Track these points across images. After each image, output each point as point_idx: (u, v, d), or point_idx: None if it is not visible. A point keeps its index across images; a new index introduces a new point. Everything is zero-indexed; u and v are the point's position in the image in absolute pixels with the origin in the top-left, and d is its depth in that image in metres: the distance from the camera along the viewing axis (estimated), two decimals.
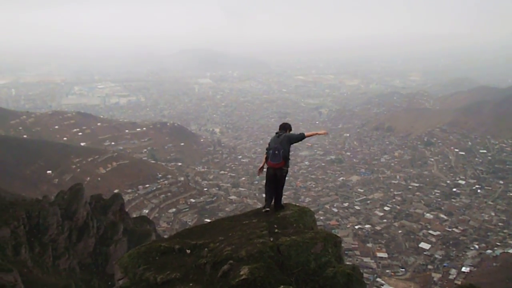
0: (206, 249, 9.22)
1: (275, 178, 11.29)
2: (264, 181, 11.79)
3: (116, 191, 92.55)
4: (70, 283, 35.21)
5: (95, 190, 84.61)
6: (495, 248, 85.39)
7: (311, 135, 11.87)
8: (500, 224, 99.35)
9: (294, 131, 11.85)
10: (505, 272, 71.32)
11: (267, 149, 11.51)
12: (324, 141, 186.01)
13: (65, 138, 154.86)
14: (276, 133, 11.56)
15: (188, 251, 9.41)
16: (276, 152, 11.04)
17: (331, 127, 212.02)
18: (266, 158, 11.39)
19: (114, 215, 51.41)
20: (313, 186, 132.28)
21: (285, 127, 11.66)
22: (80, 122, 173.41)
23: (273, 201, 11.55)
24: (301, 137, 11.35)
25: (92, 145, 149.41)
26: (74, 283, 35.68)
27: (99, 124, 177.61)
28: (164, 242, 9.86)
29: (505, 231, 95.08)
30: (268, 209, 11.23)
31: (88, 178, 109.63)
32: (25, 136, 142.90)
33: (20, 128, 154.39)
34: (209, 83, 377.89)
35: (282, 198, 11.77)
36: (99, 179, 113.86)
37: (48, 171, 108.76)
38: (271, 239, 9.34)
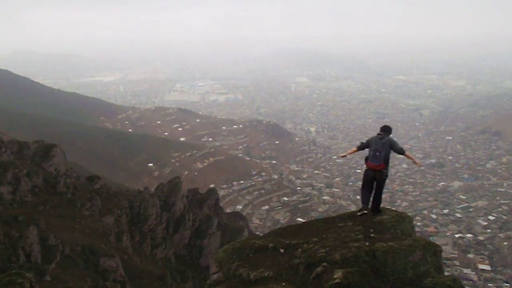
0: (300, 249, 9.18)
1: (374, 180, 10.97)
2: (361, 183, 11.48)
3: (211, 186, 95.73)
4: (166, 272, 36.92)
5: (191, 184, 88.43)
6: None
7: (409, 157, 11.22)
8: None
9: (393, 134, 11.35)
10: None
11: (362, 143, 11.20)
12: (425, 144, 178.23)
13: (166, 133, 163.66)
14: (379, 133, 11.07)
15: (282, 250, 9.43)
16: (378, 153, 10.69)
17: (433, 129, 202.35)
18: (368, 157, 11.03)
19: (209, 209, 53.24)
20: (411, 190, 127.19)
21: (387, 130, 11.10)
22: (180, 118, 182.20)
23: (370, 204, 11.23)
24: (401, 151, 10.89)
25: (190, 140, 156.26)
26: (170, 273, 37.29)
27: (198, 120, 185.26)
28: (258, 240, 9.99)
29: None
30: (365, 211, 10.93)
31: (186, 172, 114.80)
32: (130, 130, 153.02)
33: (126, 122, 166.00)
34: (306, 82, 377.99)
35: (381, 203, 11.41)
36: (196, 173, 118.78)
37: (150, 164, 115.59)
38: (367, 244, 9.08)
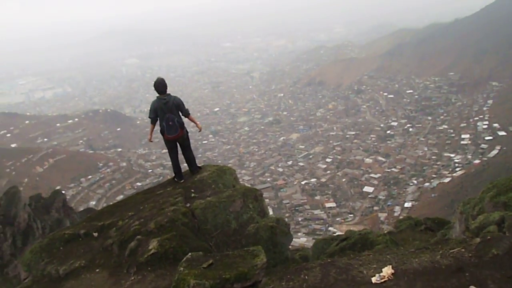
0: (114, 228, 8.32)
1: (176, 145, 10.21)
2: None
3: (58, 187, 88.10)
4: None
5: (35, 190, 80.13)
6: (432, 181, 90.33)
7: (192, 120, 10.50)
8: (433, 157, 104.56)
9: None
10: (443, 201, 74.97)
11: (150, 118, 9.80)
12: (260, 104, 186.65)
13: None
14: (158, 97, 9.68)
15: (95, 234, 8.43)
16: (171, 123, 9.52)
17: (265, 89, 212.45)
18: (163, 130, 9.77)
19: (58, 212, 49.44)
20: (256, 150, 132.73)
21: (163, 88, 9.74)
22: (5, 123, 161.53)
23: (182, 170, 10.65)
24: (187, 113, 9.94)
25: (23, 144, 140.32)
26: None
27: (27, 122, 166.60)
28: (68, 230, 8.79)
29: (438, 163, 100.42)
30: (183, 180, 10.31)
31: (26, 180, 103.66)
32: None
33: None
34: (136, 62, 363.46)
35: (196, 159, 10.91)
36: (37, 178, 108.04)
37: None
38: (187, 205, 8.58)
